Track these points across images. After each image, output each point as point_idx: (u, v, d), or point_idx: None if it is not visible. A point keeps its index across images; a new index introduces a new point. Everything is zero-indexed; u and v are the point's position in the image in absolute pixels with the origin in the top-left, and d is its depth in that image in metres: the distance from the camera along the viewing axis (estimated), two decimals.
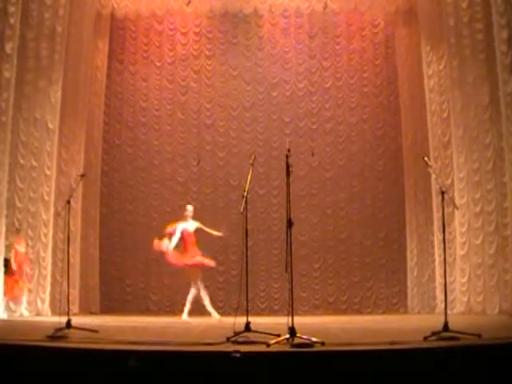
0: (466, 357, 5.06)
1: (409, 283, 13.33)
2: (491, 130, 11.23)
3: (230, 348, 5.17)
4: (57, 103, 11.86)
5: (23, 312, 11.23)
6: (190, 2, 13.75)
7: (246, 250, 6.61)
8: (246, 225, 6.55)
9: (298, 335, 5.67)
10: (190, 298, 10.77)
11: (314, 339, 5.51)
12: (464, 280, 11.56)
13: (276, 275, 13.52)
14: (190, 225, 10.96)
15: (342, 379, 4.79)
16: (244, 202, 6.55)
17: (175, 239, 10.76)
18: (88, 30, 13.03)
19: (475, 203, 11.44)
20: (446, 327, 6.20)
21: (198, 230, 10.98)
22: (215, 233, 10.93)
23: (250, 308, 6.64)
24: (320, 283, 13.74)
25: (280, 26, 14.43)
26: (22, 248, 11.26)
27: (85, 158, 13.28)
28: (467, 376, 4.85)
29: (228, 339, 5.88)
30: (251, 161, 6.92)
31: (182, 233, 10.82)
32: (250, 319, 6.41)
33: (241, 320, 6.44)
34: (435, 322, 6.85)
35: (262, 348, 5.31)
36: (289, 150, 6.27)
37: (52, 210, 11.80)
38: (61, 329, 6.73)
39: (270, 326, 6.94)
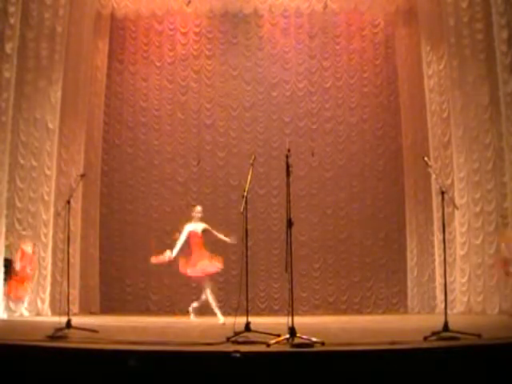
0: (465, 357, 5.06)
1: (409, 283, 13.32)
2: (491, 130, 11.24)
3: (230, 348, 5.18)
4: (57, 103, 11.85)
5: (23, 312, 11.20)
6: (189, 2, 13.74)
7: (246, 250, 6.61)
8: (246, 225, 6.56)
9: (298, 335, 5.67)
10: (202, 298, 10.49)
11: (314, 339, 5.51)
12: (464, 280, 11.56)
13: (276, 275, 13.51)
14: (198, 226, 10.47)
15: (342, 379, 4.79)
16: (244, 202, 6.55)
17: (179, 243, 10.29)
18: (88, 30, 13.02)
19: (475, 203, 11.45)
20: (446, 327, 6.20)
21: (205, 231, 10.49)
22: (223, 237, 10.42)
23: (250, 308, 6.64)
24: (320, 283, 13.73)
25: (280, 26, 14.42)
26: (28, 248, 11.22)
27: (85, 158, 13.27)
28: (467, 376, 4.85)
29: (228, 339, 5.88)
30: (251, 161, 6.92)
31: (189, 234, 10.37)
32: (250, 319, 6.42)
33: (241, 320, 6.44)
34: (435, 322, 6.85)
35: (262, 348, 5.31)
36: (289, 150, 6.27)
37: (52, 210, 11.78)
38: (61, 329, 6.73)
39: (270, 326, 6.95)
